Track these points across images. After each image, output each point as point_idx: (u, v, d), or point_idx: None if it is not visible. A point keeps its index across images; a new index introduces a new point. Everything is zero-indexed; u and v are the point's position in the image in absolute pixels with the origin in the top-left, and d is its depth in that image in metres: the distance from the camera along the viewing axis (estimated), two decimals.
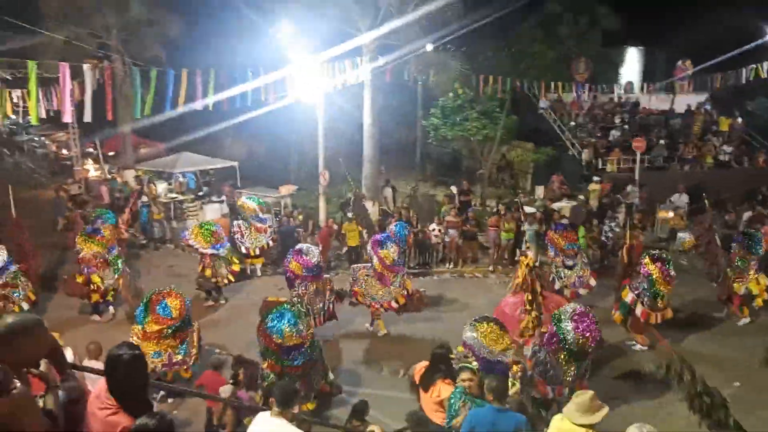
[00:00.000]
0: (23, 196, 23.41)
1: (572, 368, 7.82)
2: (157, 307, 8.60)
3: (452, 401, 5.98)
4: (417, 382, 6.90)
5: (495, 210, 18.36)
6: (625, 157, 22.34)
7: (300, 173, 25.74)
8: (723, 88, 26.97)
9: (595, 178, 20.48)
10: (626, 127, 24.65)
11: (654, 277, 10.53)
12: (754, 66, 24.86)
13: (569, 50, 25.17)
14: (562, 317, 7.82)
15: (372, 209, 18.11)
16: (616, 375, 9.89)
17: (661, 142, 23.32)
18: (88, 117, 14.40)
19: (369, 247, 12.09)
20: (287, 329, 7.50)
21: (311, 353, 7.86)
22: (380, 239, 11.75)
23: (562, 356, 7.78)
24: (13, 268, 11.38)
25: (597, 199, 19.29)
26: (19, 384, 2.73)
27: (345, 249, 16.53)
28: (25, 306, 11.15)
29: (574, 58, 25.38)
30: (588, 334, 7.62)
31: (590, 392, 5.12)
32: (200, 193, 22.06)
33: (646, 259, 10.86)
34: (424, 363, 6.99)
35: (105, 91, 17.45)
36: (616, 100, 27.63)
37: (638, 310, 10.75)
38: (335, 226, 16.70)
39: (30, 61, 13.37)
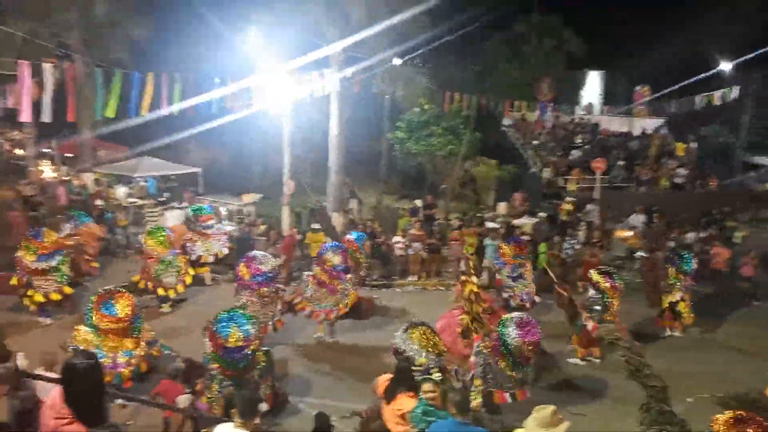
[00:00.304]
0: None
1: (513, 374, 7.98)
2: (102, 306, 8.41)
3: (414, 413, 5.98)
4: (380, 395, 6.88)
5: (458, 224, 18.56)
6: (585, 176, 22.91)
7: (264, 182, 25.52)
8: (678, 113, 28.05)
9: (568, 198, 20.86)
10: (587, 147, 25.29)
11: (602, 287, 10.84)
12: (707, 94, 25.95)
13: (534, 70, 25.77)
14: (507, 323, 8.04)
15: (337, 220, 18.07)
16: (553, 385, 10.07)
17: (620, 163, 24.02)
18: (47, 117, 13.98)
19: (317, 253, 12.21)
20: (234, 332, 7.47)
21: (255, 361, 7.83)
22: (323, 248, 12.00)
23: (504, 361, 7.98)
24: None
25: (567, 217, 19.67)
26: None
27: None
28: None
29: (539, 78, 25.97)
30: (529, 339, 7.83)
31: (551, 407, 5.16)
32: (161, 199, 21.64)
33: (593, 273, 11.21)
34: (388, 375, 6.97)
35: (65, 91, 17.02)
36: (577, 120, 28.36)
37: (589, 325, 10.95)
38: (298, 236, 16.59)
39: None
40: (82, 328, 8.55)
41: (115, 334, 8.47)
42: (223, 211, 18.68)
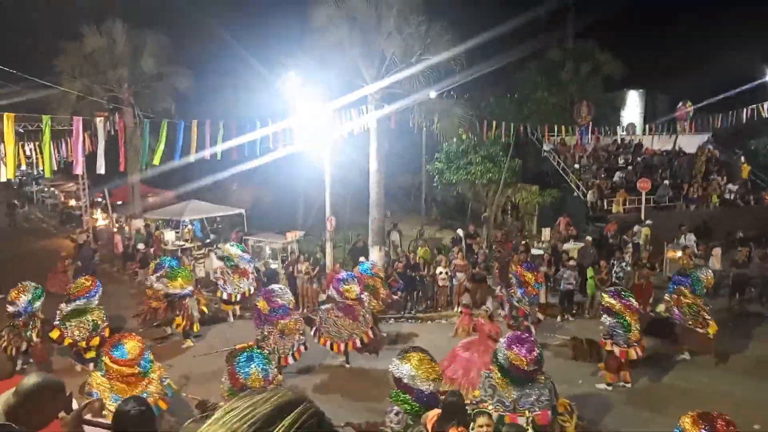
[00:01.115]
0: (34, 246, 23.79)
1: (512, 391, 7.69)
2: (112, 349, 8.45)
3: None
4: (430, 430, 6.79)
5: (496, 242, 18.39)
6: (630, 197, 22.43)
7: (307, 219, 25.94)
8: (724, 127, 27.30)
9: (647, 222, 20.19)
10: (630, 167, 24.81)
11: (616, 310, 10.66)
12: (754, 106, 25.22)
13: (571, 95, 25.60)
14: (500, 343, 8.01)
15: (378, 254, 18.15)
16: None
17: (666, 182, 23.43)
18: (101, 169, 14.66)
19: (331, 286, 12.50)
20: (254, 371, 7.58)
21: None
22: (341, 277, 12.25)
23: (498, 377, 7.79)
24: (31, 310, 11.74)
25: (647, 243, 19.15)
26: None
27: None
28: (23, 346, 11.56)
29: (576, 102, 25.77)
30: (521, 354, 7.55)
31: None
32: (207, 241, 22.21)
33: (604, 296, 11.06)
34: (437, 411, 6.89)
35: (116, 142, 17.85)
36: (618, 141, 27.92)
37: (616, 351, 10.80)
38: (343, 272, 16.69)
39: (44, 116, 13.69)
40: (96, 372, 8.66)
41: (124, 376, 8.45)
42: (267, 249, 19.03)
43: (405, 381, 7.17)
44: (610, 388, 10.97)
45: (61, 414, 3.07)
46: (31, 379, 2.86)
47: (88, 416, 6.76)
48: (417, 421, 6.82)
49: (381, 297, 13.70)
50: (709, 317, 11.93)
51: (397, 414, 7.12)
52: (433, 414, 6.94)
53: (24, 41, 27.33)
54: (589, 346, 12.19)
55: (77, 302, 11.87)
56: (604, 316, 10.98)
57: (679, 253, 18.40)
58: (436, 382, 7.23)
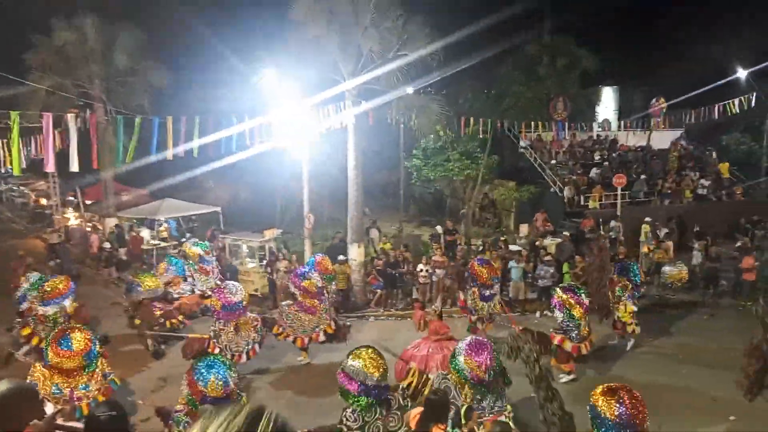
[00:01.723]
0: (2, 246, 23.17)
1: (469, 396, 7.88)
2: (60, 340, 8.44)
3: None
4: (413, 428, 6.75)
5: (480, 249, 18.44)
6: (606, 193, 22.69)
7: (285, 217, 25.72)
8: (696, 123, 27.78)
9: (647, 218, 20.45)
10: (606, 163, 25.10)
11: (569, 306, 10.89)
12: (725, 102, 25.69)
13: (548, 90, 25.78)
14: (456, 350, 8.13)
15: (357, 251, 18.05)
16: None
17: (642, 177, 23.75)
18: (74, 167, 14.35)
19: (290, 282, 12.67)
20: (213, 380, 7.44)
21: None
22: (300, 272, 12.41)
23: (456, 378, 7.98)
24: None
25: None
26: None
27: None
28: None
29: (553, 97, 25.97)
30: (477, 361, 7.75)
31: None
32: (183, 240, 21.88)
33: (557, 291, 11.29)
34: (419, 409, 6.85)
35: (88, 139, 17.43)
36: (594, 137, 28.22)
37: (568, 346, 11.03)
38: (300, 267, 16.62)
39: (13, 112, 13.32)
40: (38, 365, 8.60)
41: (68, 369, 8.43)
42: (244, 248, 18.83)
43: (353, 377, 7.25)
44: (571, 376, 11.22)
45: (33, 421, 2.96)
46: (2, 386, 2.75)
47: (60, 421, 6.60)
48: (371, 415, 7.16)
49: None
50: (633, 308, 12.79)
51: (353, 412, 7.25)
52: (416, 412, 6.89)
53: None
54: (538, 339, 12.29)
55: (54, 303, 11.63)
56: (556, 311, 11.18)
57: (645, 249, 18.79)
58: (381, 376, 7.30)
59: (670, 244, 18.56)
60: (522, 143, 26.24)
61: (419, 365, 10.08)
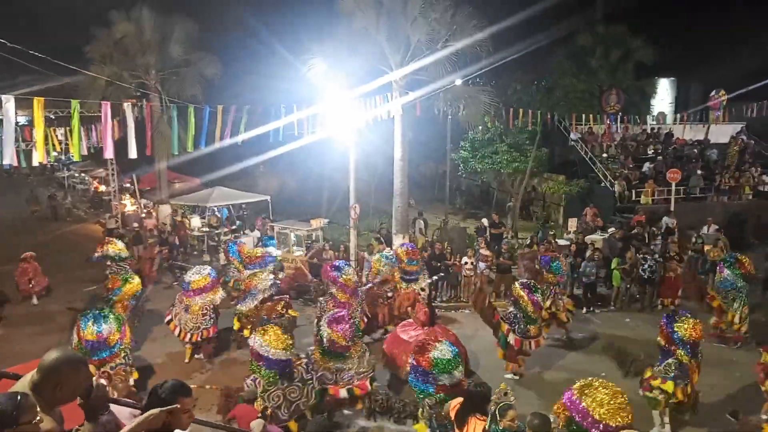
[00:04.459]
0: (65, 230, 24.29)
1: (332, 366, 8.96)
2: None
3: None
4: (452, 419, 6.78)
5: (527, 243, 18.18)
6: (659, 188, 21.98)
7: (331, 207, 26.01)
8: (759, 117, 26.53)
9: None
10: (660, 158, 24.31)
11: (522, 303, 10.84)
12: None
13: (601, 82, 25.11)
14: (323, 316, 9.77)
15: (402, 242, 18.09)
16: None
17: (698, 172, 22.89)
18: (133, 154, 14.83)
19: (327, 276, 12.76)
20: (89, 327, 9.01)
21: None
22: (335, 265, 12.48)
23: (318, 356, 9.07)
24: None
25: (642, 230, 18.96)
26: (44, 418, 2.76)
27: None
28: None
29: (606, 90, 25.28)
30: (339, 330, 8.89)
31: None
32: (233, 227, 22.43)
33: (515, 286, 11.27)
34: (459, 399, 6.87)
35: (143, 128, 18.03)
36: (648, 131, 27.35)
37: (511, 338, 10.99)
38: (367, 257, 16.73)
39: (73, 101, 13.84)
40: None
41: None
42: (292, 236, 19.13)
43: (257, 351, 8.33)
44: (517, 377, 11.18)
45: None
46: (51, 355, 2.88)
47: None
48: (272, 384, 8.32)
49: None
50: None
51: (253, 380, 8.43)
52: (455, 402, 6.92)
53: (55, 27, 27.79)
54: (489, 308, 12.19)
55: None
56: (511, 307, 11.20)
57: (708, 246, 18.09)
58: (285, 351, 8.32)
59: (727, 242, 17.85)
60: (572, 136, 25.68)
61: (402, 350, 10.57)
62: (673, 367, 8.91)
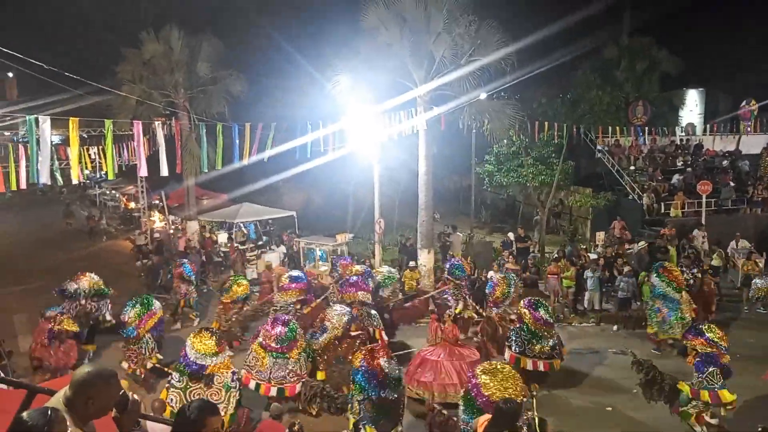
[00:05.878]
0: (97, 247, 24.76)
1: (266, 364, 9.87)
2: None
3: None
4: None
5: (554, 257, 17.97)
6: (689, 200, 21.57)
7: (356, 221, 26.09)
8: None
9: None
10: (689, 169, 23.88)
11: (526, 321, 10.92)
12: None
13: (627, 94, 24.84)
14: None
15: (427, 257, 18.05)
16: None
17: (730, 184, 22.40)
18: (164, 171, 15.08)
19: (341, 293, 13.07)
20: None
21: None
22: (353, 281, 12.81)
23: (259, 353, 10.02)
24: None
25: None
26: None
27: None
28: None
29: (632, 102, 24.99)
30: (269, 330, 9.86)
31: None
32: (260, 243, 22.62)
33: (520, 304, 11.34)
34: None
35: (172, 145, 18.35)
36: (677, 142, 26.93)
37: (507, 355, 11.14)
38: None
39: (107, 120, 14.17)
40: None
41: None
42: (317, 251, 19.23)
43: (186, 351, 9.02)
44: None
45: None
46: (83, 369, 2.94)
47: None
48: (192, 383, 8.96)
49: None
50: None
51: (177, 375, 9.19)
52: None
53: (86, 48, 28.54)
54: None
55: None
56: (518, 323, 11.31)
57: (742, 259, 17.68)
58: (202, 355, 8.90)
59: (761, 256, 17.43)
60: (599, 148, 25.40)
61: (431, 371, 10.49)
62: (716, 374, 8.84)
